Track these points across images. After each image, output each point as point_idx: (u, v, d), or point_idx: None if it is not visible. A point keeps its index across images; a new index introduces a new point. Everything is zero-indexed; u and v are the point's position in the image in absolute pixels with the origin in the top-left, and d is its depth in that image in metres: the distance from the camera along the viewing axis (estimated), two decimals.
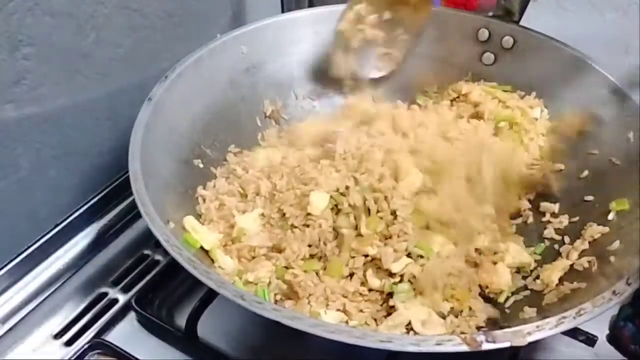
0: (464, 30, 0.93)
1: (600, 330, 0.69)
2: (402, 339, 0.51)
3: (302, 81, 0.95)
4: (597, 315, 0.54)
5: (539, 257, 0.74)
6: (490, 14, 0.91)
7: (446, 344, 0.50)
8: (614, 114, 0.77)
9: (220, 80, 0.87)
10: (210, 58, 0.85)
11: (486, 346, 0.50)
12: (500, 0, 0.90)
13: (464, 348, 0.49)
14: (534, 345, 0.70)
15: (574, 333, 0.70)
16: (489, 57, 0.92)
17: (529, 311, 0.64)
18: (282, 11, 1.08)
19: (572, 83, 0.83)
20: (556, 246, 0.74)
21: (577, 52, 0.83)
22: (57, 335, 0.75)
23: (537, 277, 0.71)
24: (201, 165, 0.81)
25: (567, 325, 0.53)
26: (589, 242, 0.70)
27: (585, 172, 0.78)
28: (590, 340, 0.69)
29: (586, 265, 0.67)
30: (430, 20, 0.92)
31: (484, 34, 0.91)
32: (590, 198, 0.76)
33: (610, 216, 0.71)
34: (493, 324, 0.67)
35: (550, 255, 0.73)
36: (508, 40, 0.89)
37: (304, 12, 0.95)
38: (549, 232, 0.76)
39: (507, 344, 0.50)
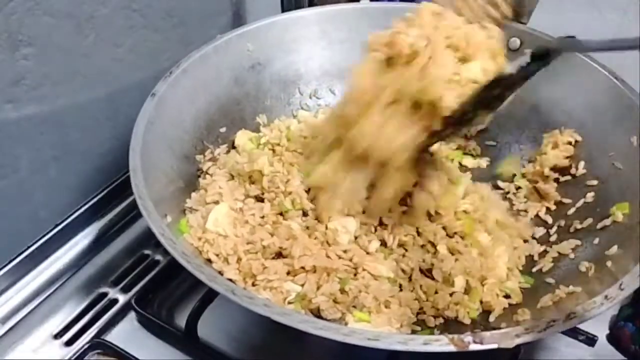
0: None
1: (600, 330, 0.75)
2: (390, 337, 0.53)
3: (308, 79, 1.00)
4: (587, 319, 0.57)
5: None
6: None
7: (433, 344, 0.53)
8: (617, 118, 0.79)
9: (225, 77, 0.91)
10: (216, 54, 0.89)
11: (473, 347, 0.53)
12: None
13: (451, 348, 0.52)
14: (534, 345, 0.76)
15: (574, 333, 0.73)
16: None
17: (523, 313, 0.67)
18: (282, 11, 1.11)
19: (576, 85, 0.86)
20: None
21: (582, 55, 0.85)
22: (57, 335, 0.79)
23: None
24: (203, 161, 0.85)
25: (556, 328, 0.55)
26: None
27: (591, 179, 0.81)
28: (590, 340, 0.73)
29: (583, 269, 0.70)
30: None
31: None
32: (591, 200, 0.79)
33: (610, 220, 0.74)
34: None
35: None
36: (515, 42, 0.91)
37: (311, 11, 0.98)
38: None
39: (494, 346, 0.53)
